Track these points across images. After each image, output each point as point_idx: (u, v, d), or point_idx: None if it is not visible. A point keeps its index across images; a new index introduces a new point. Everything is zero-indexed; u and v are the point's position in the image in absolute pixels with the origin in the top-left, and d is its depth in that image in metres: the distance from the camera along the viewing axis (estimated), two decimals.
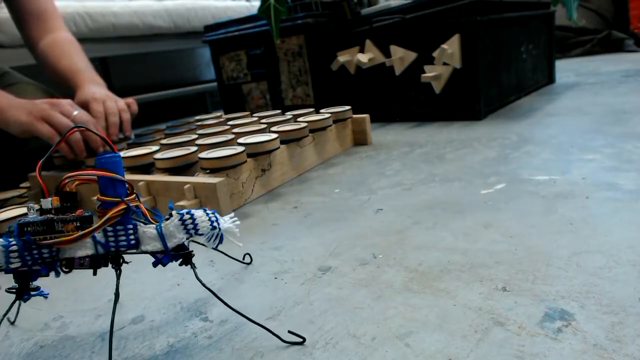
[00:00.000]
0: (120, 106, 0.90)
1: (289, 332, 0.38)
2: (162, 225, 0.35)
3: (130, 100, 0.95)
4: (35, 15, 0.98)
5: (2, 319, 0.36)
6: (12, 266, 0.33)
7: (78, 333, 0.42)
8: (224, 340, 0.38)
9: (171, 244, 0.34)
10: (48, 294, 0.36)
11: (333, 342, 0.36)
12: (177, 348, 0.38)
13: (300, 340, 0.37)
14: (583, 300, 0.37)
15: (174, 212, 0.35)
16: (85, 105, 0.87)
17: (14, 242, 0.32)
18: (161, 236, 0.34)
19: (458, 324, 0.36)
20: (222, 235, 0.36)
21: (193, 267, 0.36)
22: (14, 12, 0.99)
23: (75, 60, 0.97)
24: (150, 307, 0.45)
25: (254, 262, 0.52)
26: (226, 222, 0.37)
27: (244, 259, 0.52)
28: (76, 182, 0.34)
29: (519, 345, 0.33)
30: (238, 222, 0.38)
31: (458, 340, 0.34)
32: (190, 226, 0.35)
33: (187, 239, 0.35)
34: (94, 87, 0.91)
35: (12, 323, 0.45)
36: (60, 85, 0.99)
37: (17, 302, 0.35)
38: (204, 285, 0.36)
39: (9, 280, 0.35)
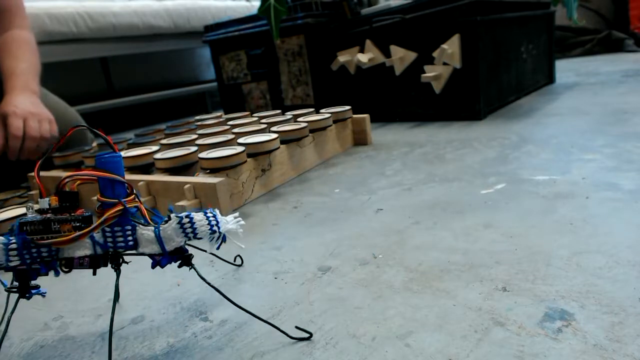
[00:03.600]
0: (42, 131, 0.83)
1: (296, 327, 0.38)
2: (161, 228, 0.34)
3: (53, 122, 0.86)
4: None
5: (9, 319, 0.36)
6: (12, 264, 0.33)
7: (78, 333, 0.42)
8: (224, 340, 0.38)
9: (169, 247, 0.34)
10: (45, 292, 0.36)
11: (333, 342, 0.36)
12: (177, 348, 0.38)
13: (307, 335, 0.37)
14: (583, 300, 0.37)
15: (172, 216, 0.35)
16: (2, 119, 0.81)
17: (13, 241, 0.32)
18: (159, 239, 0.34)
19: (458, 324, 0.36)
20: (224, 235, 0.36)
21: (194, 268, 0.36)
22: None
23: (17, 61, 0.90)
24: (150, 307, 0.45)
25: (254, 262, 0.52)
26: (229, 222, 0.36)
27: (235, 260, 0.52)
28: (77, 182, 0.34)
29: (519, 345, 0.33)
30: (242, 222, 0.38)
31: (458, 340, 0.34)
32: (189, 230, 0.34)
33: (185, 242, 0.35)
34: (21, 97, 0.84)
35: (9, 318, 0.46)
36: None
37: (27, 299, 0.35)
38: (208, 283, 0.36)
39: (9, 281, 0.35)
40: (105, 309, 0.46)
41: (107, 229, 0.34)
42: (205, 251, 0.46)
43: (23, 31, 0.97)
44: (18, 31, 0.95)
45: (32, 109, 0.84)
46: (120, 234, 0.34)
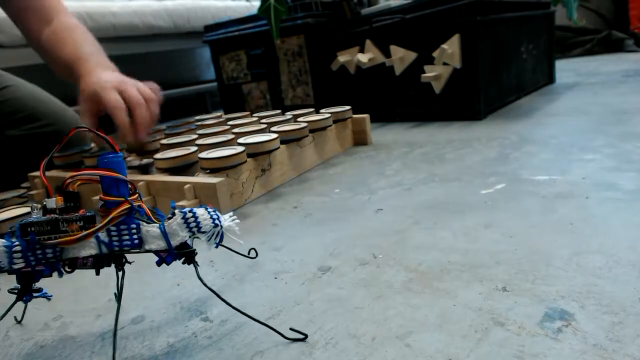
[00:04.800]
0: (146, 94, 0.71)
1: (291, 329, 0.38)
2: (166, 223, 0.35)
3: (153, 84, 0.75)
4: (32, 7, 0.86)
5: (4, 316, 0.36)
6: (16, 267, 0.33)
7: (78, 333, 0.42)
8: (224, 340, 0.38)
9: (174, 242, 0.35)
10: (51, 296, 0.36)
11: (333, 342, 0.36)
12: (177, 348, 0.38)
13: (302, 337, 0.37)
14: (583, 300, 0.37)
15: (176, 211, 0.35)
16: (93, 98, 0.70)
17: (17, 243, 0.32)
18: (165, 235, 0.34)
19: (458, 324, 0.36)
20: (222, 233, 0.36)
21: (195, 265, 0.36)
22: (9, 9, 0.89)
23: (79, 45, 0.81)
24: (150, 307, 0.45)
25: (254, 262, 0.52)
26: (226, 220, 0.37)
27: (249, 253, 0.53)
28: (78, 182, 0.34)
29: (519, 345, 0.33)
30: (237, 221, 0.38)
31: (458, 340, 0.34)
32: (193, 224, 0.35)
33: (189, 237, 0.35)
34: (103, 72, 0.74)
35: (19, 322, 0.45)
36: (68, 80, 0.84)
37: (25, 302, 0.35)
38: (205, 284, 0.36)
39: (10, 281, 0.35)
40: (105, 309, 0.46)
41: (113, 228, 0.34)
42: (225, 247, 0.47)
43: (66, 17, 0.89)
44: (62, 18, 0.88)
45: (122, 78, 0.75)
46: (125, 232, 0.34)
